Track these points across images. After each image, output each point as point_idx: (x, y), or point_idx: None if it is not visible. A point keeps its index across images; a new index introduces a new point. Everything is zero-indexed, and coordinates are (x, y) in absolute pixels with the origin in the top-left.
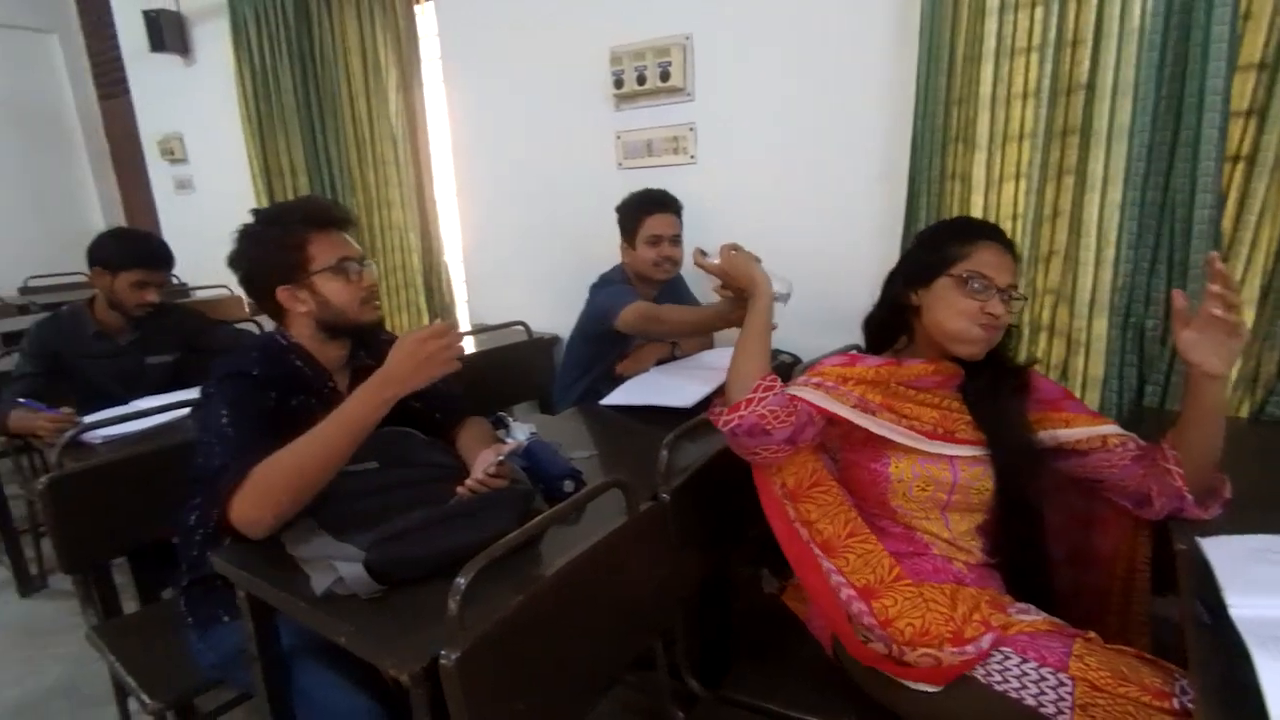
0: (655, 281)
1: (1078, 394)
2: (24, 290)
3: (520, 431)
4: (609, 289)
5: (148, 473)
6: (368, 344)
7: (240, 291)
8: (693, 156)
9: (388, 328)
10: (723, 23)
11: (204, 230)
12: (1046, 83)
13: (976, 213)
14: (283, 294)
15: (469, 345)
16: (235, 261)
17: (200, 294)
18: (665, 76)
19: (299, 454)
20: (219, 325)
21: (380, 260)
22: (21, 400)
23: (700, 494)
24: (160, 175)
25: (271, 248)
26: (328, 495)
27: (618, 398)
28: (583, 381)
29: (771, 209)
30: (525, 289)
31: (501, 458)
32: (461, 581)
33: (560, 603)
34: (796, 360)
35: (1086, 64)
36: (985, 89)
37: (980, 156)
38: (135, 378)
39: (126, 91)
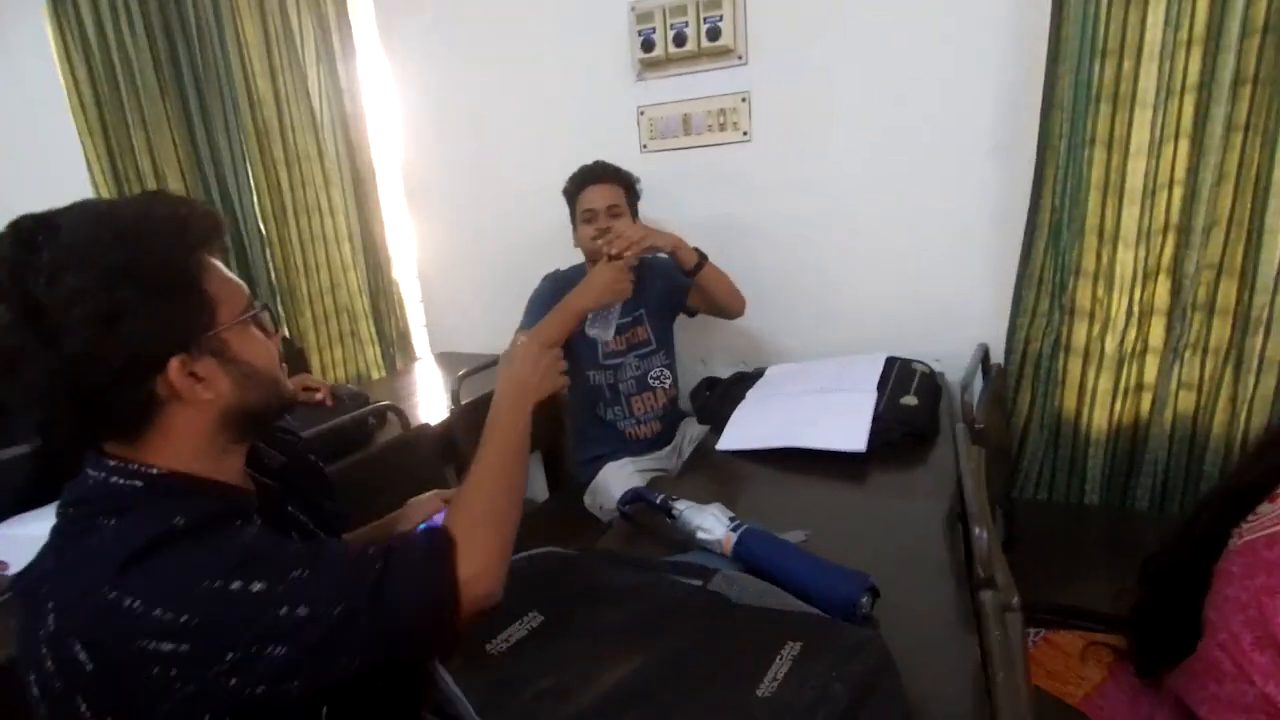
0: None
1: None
2: None
3: (706, 519)
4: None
5: None
6: (270, 434)
7: None
8: (746, 133)
9: (324, 361)
10: None
11: None
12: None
13: (1135, 180)
14: (177, 373)
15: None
16: (47, 337)
17: None
18: (714, 34)
19: (490, 487)
20: None
21: (304, 281)
22: None
23: None
24: None
25: (154, 295)
26: (498, 683)
27: (739, 438)
28: (584, 420)
29: (851, 192)
30: (506, 311)
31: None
32: None
33: None
34: (931, 371)
35: None
36: (1154, 34)
37: (1144, 115)
38: None
39: None
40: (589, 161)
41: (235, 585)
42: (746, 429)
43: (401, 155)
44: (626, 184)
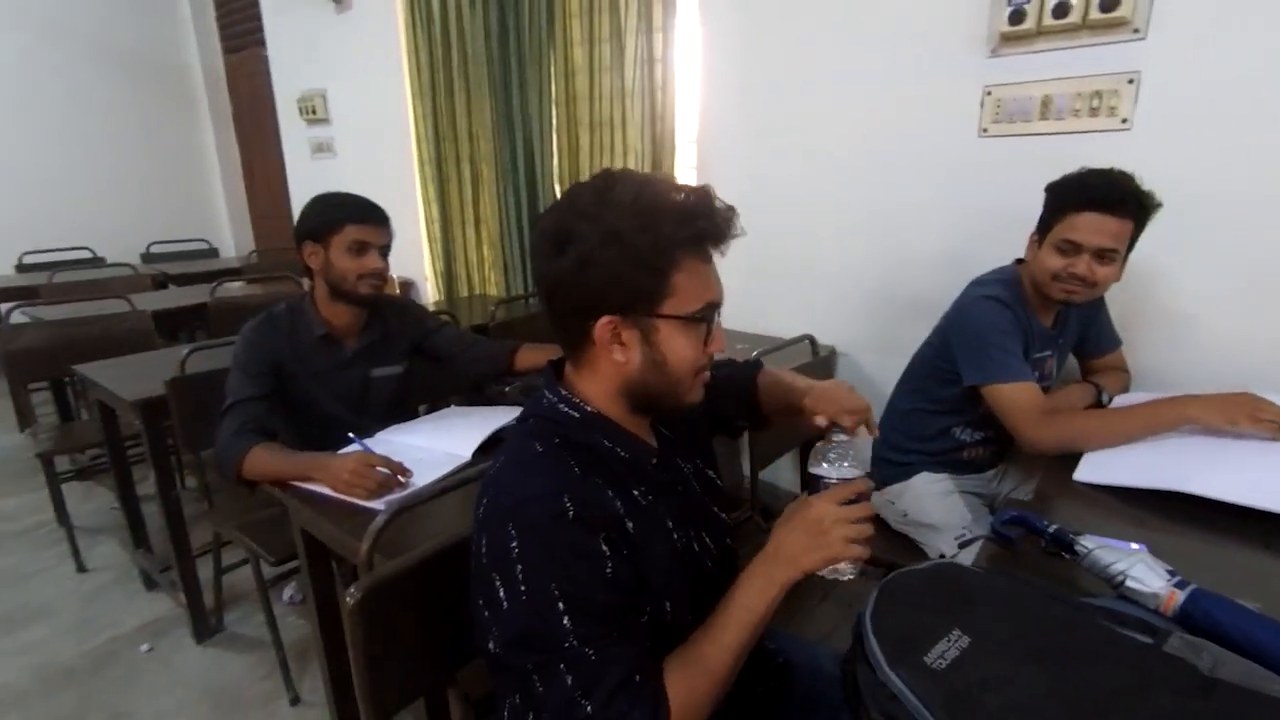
0: (1055, 301)
1: None
2: (146, 258)
3: (1136, 566)
4: (987, 326)
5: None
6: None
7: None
8: (1125, 120)
9: None
10: None
11: None
12: None
13: None
14: (601, 328)
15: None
16: (577, 257)
17: None
18: (1110, 5)
19: (709, 679)
20: (446, 325)
21: None
22: (352, 437)
23: None
24: (295, 137)
25: (624, 264)
26: (957, 696)
27: (1104, 472)
28: (924, 430)
29: (1258, 188)
30: (795, 291)
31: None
32: None
33: None
34: None
35: None
36: None
37: None
38: (361, 397)
39: (259, 44)
40: (1096, 169)
41: (559, 607)
42: (1114, 462)
43: (697, 126)
44: (1138, 220)
